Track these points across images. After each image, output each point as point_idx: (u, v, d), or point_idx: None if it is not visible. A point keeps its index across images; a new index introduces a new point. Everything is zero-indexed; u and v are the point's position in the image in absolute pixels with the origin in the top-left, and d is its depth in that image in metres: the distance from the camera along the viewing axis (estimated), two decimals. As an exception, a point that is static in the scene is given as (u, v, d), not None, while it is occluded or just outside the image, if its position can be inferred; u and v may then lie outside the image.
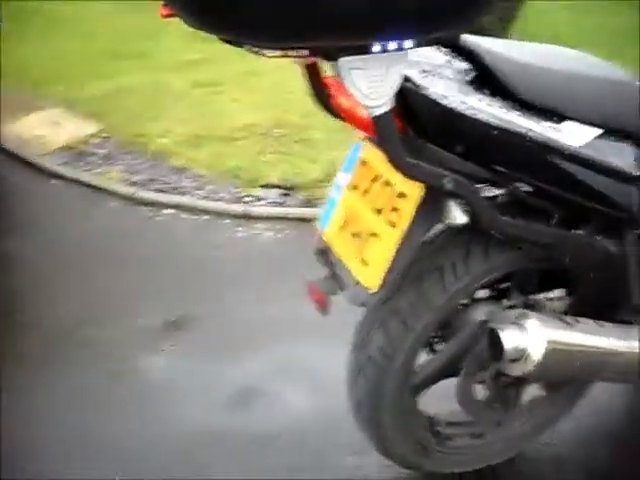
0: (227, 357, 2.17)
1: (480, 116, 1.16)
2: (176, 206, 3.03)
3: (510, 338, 1.29)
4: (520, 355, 1.30)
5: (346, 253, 1.38)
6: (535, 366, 1.30)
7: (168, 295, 2.46)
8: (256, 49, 1.01)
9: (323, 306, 1.43)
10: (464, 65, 1.21)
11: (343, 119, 1.38)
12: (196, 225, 2.93)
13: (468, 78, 1.20)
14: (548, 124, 1.22)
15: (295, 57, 1.01)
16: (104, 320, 2.31)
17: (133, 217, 2.97)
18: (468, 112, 1.15)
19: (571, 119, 1.25)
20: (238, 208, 3.01)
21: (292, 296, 2.41)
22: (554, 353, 1.30)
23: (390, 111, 1.07)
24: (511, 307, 1.52)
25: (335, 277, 1.42)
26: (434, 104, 1.14)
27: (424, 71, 1.14)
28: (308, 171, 3.24)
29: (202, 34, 3.68)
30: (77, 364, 2.12)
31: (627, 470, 1.81)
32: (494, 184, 1.29)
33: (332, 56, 1.00)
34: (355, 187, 1.40)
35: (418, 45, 1.01)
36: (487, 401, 1.62)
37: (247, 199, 3.09)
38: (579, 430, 1.90)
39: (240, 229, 2.90)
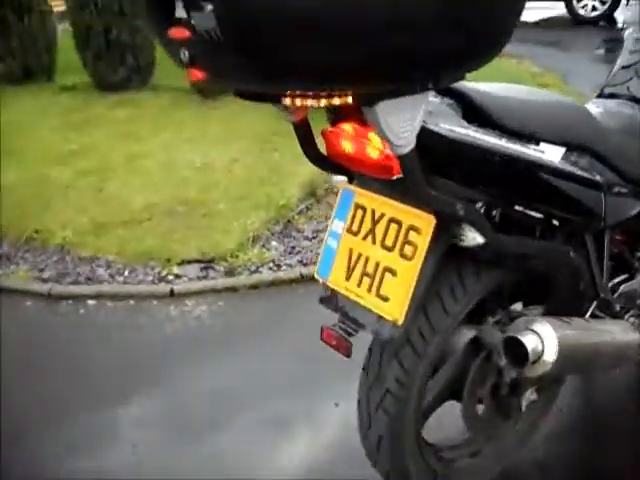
0: (193, 439, 2.12)
1: (482, 145, 1.29)
2: (97, 295, 2.94)
3: (530, 342, 1.41)
4: (537, 357, 1.42)
5: (359, 294, 1.44)
6: (552, 364, 1.42)
7: (117, 384, 2.37)
8: (297, 101, 1.08)
9: (344, 349, 1.47)
10: (452, 102, 1.35)
11: (335, 169, 1.46)
12: (124, 311, 2.85)
13: (459, 113, 1.33)
14: (531, 146, 1.38)
15: (338, 104, 1.09)
16: (58, 420, 2.19)
17: (55, 314, 2.84)
18: (472, 142, 1.28)
19: (544, 141, 1.42)
20: (163, 288, 2.97)
21: (242, 365, 2.43)
22: (564, 350, 1.44)
23: (414, 148, 1.17)
24: (497, 322, 1.65)
25: (349, 319, 1.48)
26: (444, 139, 1.26)
27: (429, 111, 1.26)
28: (223, 242, 3.27)
29: (73, 125, 3.72)
30: (44, 465, 2.00)
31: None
32: (490, 206, 1.42)
33: (370, 101, 1.09)
34: (355, 231, 1.48)
35: (441, 86, 1.13)
36: (489, 416, 1.71)
37: (169, 278, 3.06)
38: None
39: (171, 307, 2.86)
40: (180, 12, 1.01)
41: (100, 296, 2.93)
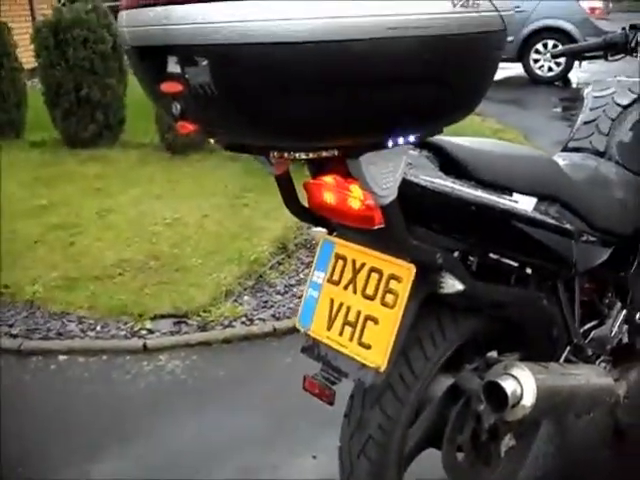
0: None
1: (460, 195, 1.34)
2: (69, 351, 2.90)
3: (509, 386, 1.44)
4: (516, 401, 1.45)
5: (341, 342, 1.46)
6: (531, 408, 1.45)
7: (90, 440, 2.33)
8: (287, 154, 1.12)
9: (327, 397, 1.48)
10: (429, 155, 1.41)
11: (316, 221, 1.50)
12: (97, 366, 2.82)
13: (437, 166, 1.39)
14: (505, 197, 1.44)
15: (324, 156, 1.13)
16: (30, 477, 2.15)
17: (25, 370, 2.79)
18: (451, 193, 1.34)
19: (517, 192, 1.48)
20: (136, 342, 2.95)
21: (217, 419, 2.42)
22: (542, 393, 1.47)
23: (396, 199, 1.22)
24: (475, 369, 1.68)
25: (331, 368, 1.49)
26: (424, 189, 1.31)
27: (409, 163, 1.31)
28: (195, 297, 3.26)
29: (43, 181, 3.75)
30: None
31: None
32: (467, 254, 1.47)
33: (354, 153, 1.14)
34: (336, 281, 1.50)
35: (422, 138, 1.18)
36: (469, 464, 1.73)
37: (142, 332, 3.04)
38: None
39: (144, 362, 2.83)
40: (172, 67, 1.05)
41: (72, 351, 2.90)
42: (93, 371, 2.78)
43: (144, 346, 2.91)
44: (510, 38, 8.61)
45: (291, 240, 3.83)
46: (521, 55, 9.31)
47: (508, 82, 9.22)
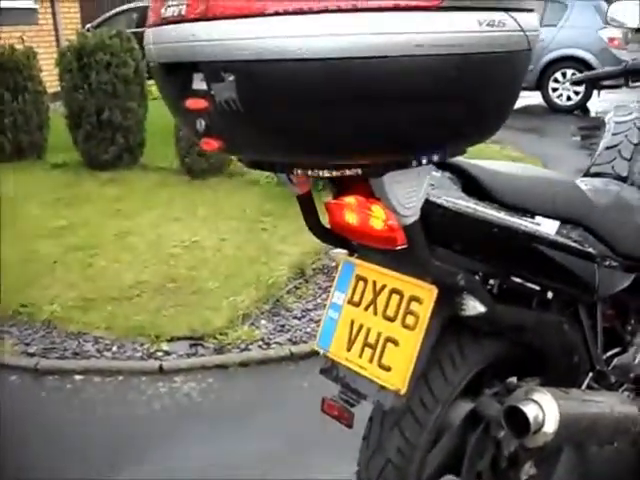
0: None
1: (483, 217, 1.34)
2: (85, 371, 2.90)
3: (531, 411, 1.41)
4: (538, 427, 1.42)
5: (361, 364, 1.44)
6: (553, 434, 1.42)
7: (103, 461, 2.32)
8: (311, 172, 1.12)
9: (346, 420, 1.47)
10: (452, 177, 1.40)
11: (337, 242, 1.49)
12: (112, 387, 2.81)
13: (459, 187, 1.38)
14: (528, 219, 1.43)
15: (347, 175, 1.13)
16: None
17: (41, 388, 2.80)
18: (474, 214, 1.33)
19: (539, 215, 1.47)
20: (152, 364, 2.94)
21: (232, 443, 2.39)
22: (564, 420, 1.44)
23: (419, 219, 1.21)
24: (495, 394, 1.65)
25: (350, 390, 1.48)
26: (447, 210, 1.30)
27: (431, 184, 1.31)
28: (212, 319, 3.26)
29: (63, 201, 3.77)
30: None
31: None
32: (488, 277, 1.45)
33: (377, 172, 1.14)
34: (356, 302, 1.49)
35: (445, 158, 1.18)
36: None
37: (158, 354, 3.03)
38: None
39: (160, 384, 2.82)
40: (197, 84, 1.06)
41: (87, 371, 2.90)
42: (109, 392, 2.77)
43: (160, 368, 2.91)
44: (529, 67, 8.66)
45: (309, 265, 3.83)
46: (540, 84, 9.33)
47: (527, 110, 9.23)
